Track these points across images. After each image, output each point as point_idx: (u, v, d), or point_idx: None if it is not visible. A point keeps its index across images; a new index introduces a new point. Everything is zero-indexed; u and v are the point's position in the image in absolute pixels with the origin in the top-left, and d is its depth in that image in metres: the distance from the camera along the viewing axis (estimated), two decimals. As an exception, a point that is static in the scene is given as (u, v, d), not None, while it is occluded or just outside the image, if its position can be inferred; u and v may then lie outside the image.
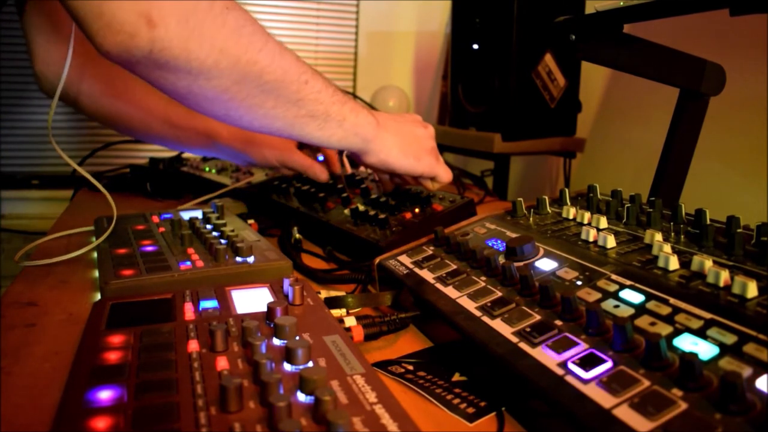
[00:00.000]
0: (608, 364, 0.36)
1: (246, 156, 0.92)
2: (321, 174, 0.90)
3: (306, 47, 1.95)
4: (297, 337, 0.41)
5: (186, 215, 0.80)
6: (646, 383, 0.33)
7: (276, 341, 0.41)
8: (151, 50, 0.50)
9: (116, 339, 0.41)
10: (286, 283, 0.50)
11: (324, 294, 0.58)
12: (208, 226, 0.73)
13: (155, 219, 0.80)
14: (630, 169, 1.40)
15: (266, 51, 0.56)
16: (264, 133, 0.65)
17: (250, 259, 0.62)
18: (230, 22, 0.53)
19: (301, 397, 0.33)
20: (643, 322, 0.39)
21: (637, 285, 0.44)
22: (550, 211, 0.65)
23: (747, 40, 1.08)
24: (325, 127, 0.64)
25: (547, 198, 0.66)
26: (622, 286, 0.44)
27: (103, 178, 1.15)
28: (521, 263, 0.53)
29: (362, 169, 1.03)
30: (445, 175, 0.77)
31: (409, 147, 0.72)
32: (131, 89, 0.89)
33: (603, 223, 0.57)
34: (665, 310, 0.40)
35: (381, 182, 0.88)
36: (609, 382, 0.34)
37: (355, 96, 1.69)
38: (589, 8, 0.75)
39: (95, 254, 0.68)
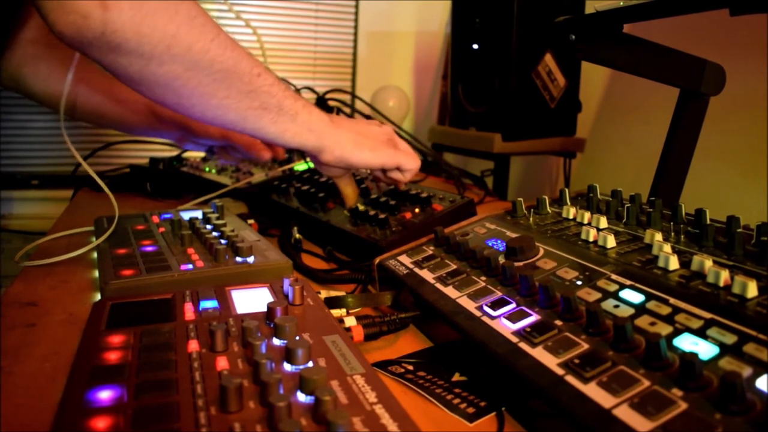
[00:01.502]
0: (608, 364, 0.36)
1: (189, 131, 0.91)
2: (264, 153, 0.89)
3: (304, 47, 1.95)
4: (297, 337, 0.41)
5: (186, 215, 0.80)
6: (646, 383, 0.33)
7: (276, 341, 0.41)
8: (103, 32, 0.50)
9: (116, 339, 0.41)
10: (286, 283, 0.50)
11: (324, 294, 0.58)
12: (208, 226, 0.73)
13: (155, 219, 0.80)
14: (630, 169, 1.40)
15: (218, 41, 0.58)
16: (218, 125, 0.66)
17: (250, 259, 0.62)
18: (183, 10, 0.55)
19: (301, 397, 0.33)
20: (643, 322, 0.39)
21: (637, 285, 0.44)
22: (550, 211, 0.65)
23: (747, 40, 1.08)
24: (278, 121, 0.65)
25: (547, 198, 0.66)
26: (622, 286, 0.44)
27: (104, 178, 1.15)
28: (521, 263, 0.53)
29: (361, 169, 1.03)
30: (409, 161, 0.75)
31: (363, 140, 0.72)
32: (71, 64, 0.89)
33: (603, 223, 0.57)
34: (665, 310, 0.40)
35: (343, 197, 0.82)
36: (609, 382, 0.34)
37: (354, 96, 1.69)
38: (589, 8, 0.75)
39: (95, 254, 0.68)
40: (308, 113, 0.67)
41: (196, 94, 0.59)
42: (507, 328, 0.43)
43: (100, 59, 0.55)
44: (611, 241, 0.52)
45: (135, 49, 0.53)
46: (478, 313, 0.46)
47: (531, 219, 0.64)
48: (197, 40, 0.56)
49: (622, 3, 0.65)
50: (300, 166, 1.14)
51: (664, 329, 0.38)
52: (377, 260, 0.62)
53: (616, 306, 0.42)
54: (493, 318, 0.45)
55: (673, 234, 0.53)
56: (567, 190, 0.66)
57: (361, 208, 0.79)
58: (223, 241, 0.66)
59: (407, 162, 0.75)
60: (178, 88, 0.58)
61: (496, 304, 0.46)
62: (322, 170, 0.76)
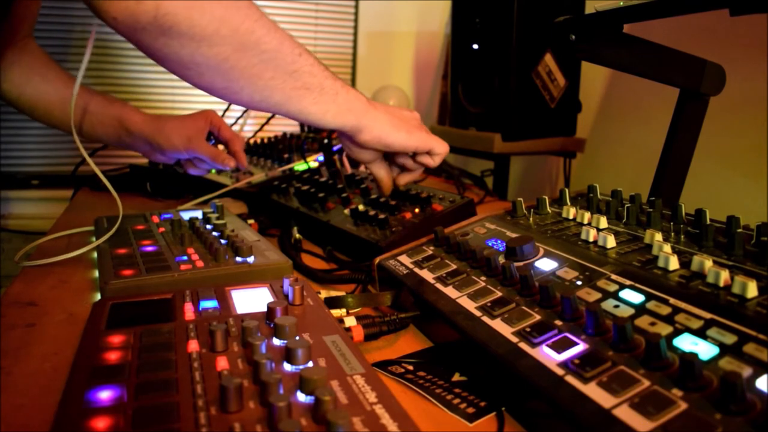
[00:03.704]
0: (608, 364, 0.36)
1: (156, 143, 0.93)
2: (229, 161, 0.93)
3: (305, 47, 1.95)
4: (297, 337, 0.41)
5: (186, 215, 0.80)
6: (646, 383, 0.33)
7: (276, 341, 0.41)
8: (155, 15, 0.53)
9: (116, 339, 0.41)
10: (286, 283, 0.50)
11: (324, 294, 0.58)
12: (208, 226, 0.73)
13: (155, 219, 0.80)
14: (630, 169, 1.40)
15: (262, 22, 0.60)
16: (262, 109, 0.67)
17: (250, 259, 0.62)
18: None
19: (301, 397, 0.33)
20: (643, 322, 0.39)
21: (637, 285, 0.44)
22: (550, 211, 0.65)
23: (747, 40, 1.08)
24: (320, 101, 0.66)
25: (547, 198, 0.66)
26: (622, 286, 0.44)
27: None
28: (521, 263, 0.53)
29: (362, 168, 1.03)
30: (441, 146, 0.76)
31: (399, 122, 0.73)
32: (52, 79, 0.93)
33: (603, 223, 0.57)
34: (665, 310, 0.40)
35: (379, 182, 0.82)
36: (609, 382, 0.34)
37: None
38: (589, 8, 0.75)
39: (95, 254, 0.68)
40: (347, 92, 0.68)
41: (244, 75, 0.61)
42: (508, 328, 0.43)
43: (152, 44, 0.57)
44: (611, 241, 0.52)
45: (186, 31, 0.55)
46: (478, 313, 0.46)
47: (531, 219, 0.64)
48: (243, 21, 0.58)
49: (622, 3, 0.65)
50: (300, 166, 1.14)
51: (664, 329, 0.38)
52: (377, 260, 0.62)
53: (616, 306, 0.42)
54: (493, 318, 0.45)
55: (673, 234, 0.53)
56: (567, 190, 0.66)
57: (361, 208, 0.79)
58: (223, 241, 0.66)
59: (438, 146, 0.76)
60: (228, 71, 0.60)
61: (497, 304, 0.46)
62: (355, 155, 0.75)
